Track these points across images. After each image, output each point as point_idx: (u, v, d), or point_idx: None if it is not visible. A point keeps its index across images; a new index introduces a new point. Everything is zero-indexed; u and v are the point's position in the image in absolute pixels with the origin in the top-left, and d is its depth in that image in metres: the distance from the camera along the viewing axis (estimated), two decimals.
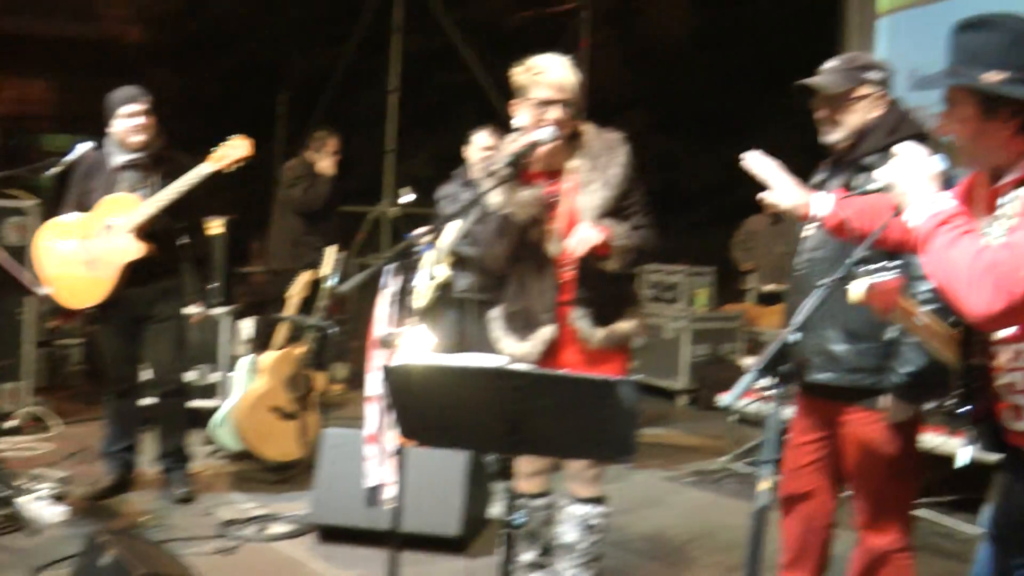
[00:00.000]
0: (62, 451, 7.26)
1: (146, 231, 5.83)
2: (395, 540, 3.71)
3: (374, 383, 3.70)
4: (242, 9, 12.91)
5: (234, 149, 5.93)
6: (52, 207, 6.44)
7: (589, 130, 4.44)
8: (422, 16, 12.58)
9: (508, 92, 4.40)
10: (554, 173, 4.39)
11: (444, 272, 6.94)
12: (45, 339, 9.07)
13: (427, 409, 3.22)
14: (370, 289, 3.81)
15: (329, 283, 6.94)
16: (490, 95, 11.92)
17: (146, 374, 6.36)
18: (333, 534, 5.58)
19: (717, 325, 10.64)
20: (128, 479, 6.35)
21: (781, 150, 4.08)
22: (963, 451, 3.01)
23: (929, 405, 3.95)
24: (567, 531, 4.54)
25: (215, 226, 7.92)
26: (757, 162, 3.50)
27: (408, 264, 3.72)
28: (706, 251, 12.38)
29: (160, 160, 6.05)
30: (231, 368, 7.51)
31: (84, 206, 6.01)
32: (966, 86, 2.69)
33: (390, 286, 3.66)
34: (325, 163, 9.01)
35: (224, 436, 6.98)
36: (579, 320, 4.34)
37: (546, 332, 4.36)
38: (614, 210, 4.32)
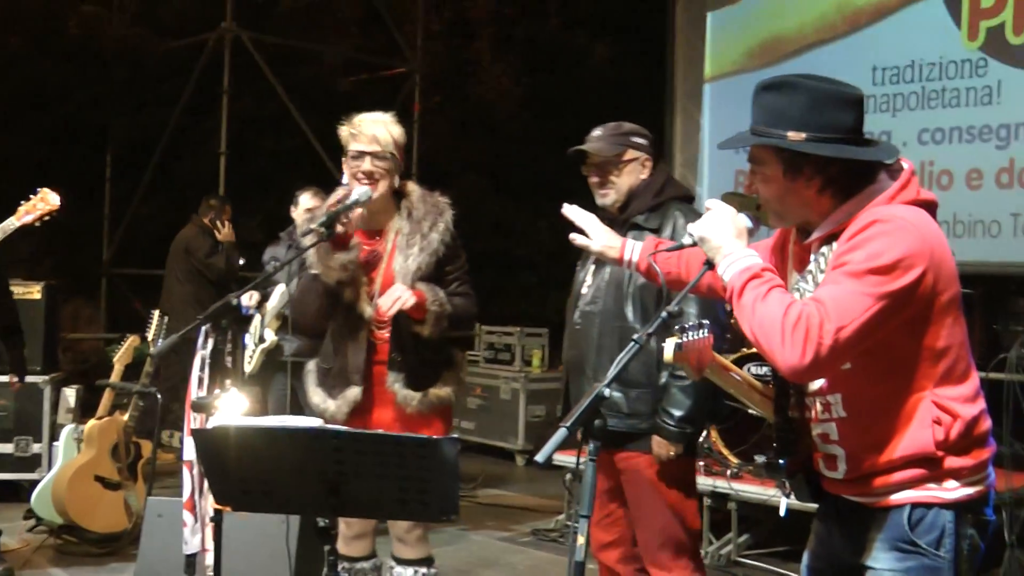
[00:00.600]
0: None
1: None
2: None
3: (189, 448, 3.61)
4: (63, 69, 12.62)
5: (41, 203, 5.73)
6: None
7: (415, 191, 4.44)
8: (252, 79, 12.49)
9: (338, 155, 4.38)
10: (376, 232, 4.37)
11: (271, 336, 6.87)
12: None
13: (241, 473, 3.15)
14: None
15: (153, 348, 6.78)
16: (323, 159, 11.87)
17: None
18: None
19: (552, 385, 10.70)
20: None
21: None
22: (782, 502, 3.08)
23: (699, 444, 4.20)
24: None
25: (33, 291, 7.69)
26: (575, 213, 3.59)
27: (223, 326, 3.65)
28: (541, 313, 12.51)
29: None
30: (54, 438, 7.25)
31: None
32: (770, 145, 2.77)
33: (203, 349, 3.58)
34: (227, 231, 9.18)
35: (46, 509, 6.71)
36: (395, 384, 4.31)
37: (353, 392, 4.33)
38: (433, 276, 4.32)
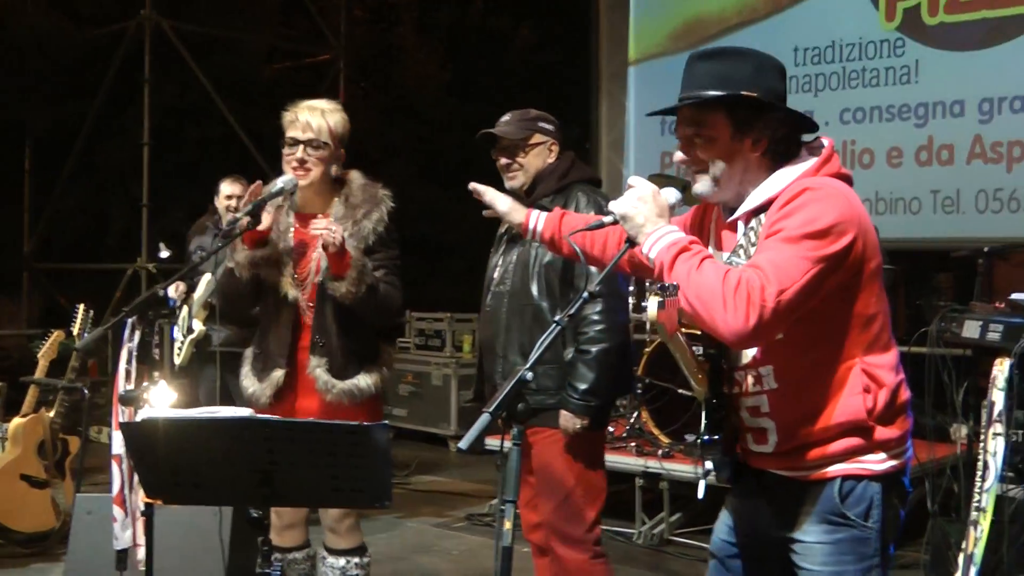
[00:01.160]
0: None
1: None
2: None
3: (117, 442, 3.58)
4: None
5: None
6: None
7: (356, 179, 4.45)
8: (174, 68, 12.34)
9: (265, 144, 4.36)
10: (314, 216, 4.36)
11: (199, 327, 6.81)
12: None
13: (171, 465, 3.12)
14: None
15: (79, 343, 6.69)
16: (248, 147, 11.77)
17: None
18: None
19: None
20: None
21: None
22: (700, 484, 3.10)
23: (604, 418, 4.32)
24: None
25: None
26: (481, 188, 3.72)
27: (150, 317, 3.62)
28: (470, 298, 12.49)
29: None
30: None
31: None
32: (724, 105, 2.79)
33: (129, 342, 3.55)
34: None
35: None
36: (316, 368, 4.30)
37: (276, 375, 4.31)
38: None
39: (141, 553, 3.64)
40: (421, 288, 11.16)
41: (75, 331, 6.69)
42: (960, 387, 5.34)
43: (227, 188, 6.80)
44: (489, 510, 7.65)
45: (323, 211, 4.36)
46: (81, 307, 6.71)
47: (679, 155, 2.90)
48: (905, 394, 2.83)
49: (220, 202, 6.94)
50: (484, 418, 2.56)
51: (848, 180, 2.84)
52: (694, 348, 2.87)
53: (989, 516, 4.55)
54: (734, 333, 2.56)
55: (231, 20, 13.53)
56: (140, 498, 3.54)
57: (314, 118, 4.27)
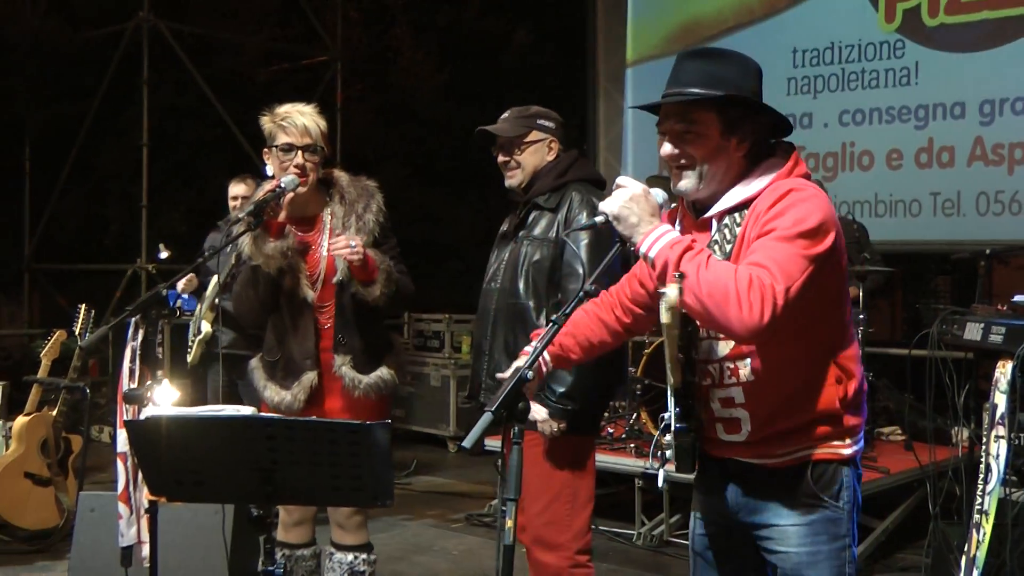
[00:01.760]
0: None
1: None
2: None
3: (122, 440, 3.58)
4: None
5: None
6: None
7: (342, 177, 4.45)
8: (171, 70, 12.34)
9: (262, 145, 4.36)
10: (308, 219, 4.36)
11: (206, 328, 6.80)
12: None
13: (174, 463, 3.13)
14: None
15: (84, 342, 6.69)
16: (245, 149, 11.77)
17: None
18: None
19: None
20: None
21: None
22: (659, 473, 3.11)
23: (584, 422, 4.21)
24: None
25: None
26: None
27: (152, 317, 3.62)
28: (468, 299, 12.49)
29: None
30: None
31: None
32: (716, 103, 2.85)
33: (133, 340, 3.55)
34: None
35: None
36: (343, 367, 4.31)
37: (309, 378, 4.32)
38: None
39: (145, 550, 3.64)
40: (419, 289, 11.09)
41: (77, 331, 6.71)
42: (961, 390, 5.33)
43: (233, 188, 6.77)
44: (488, 510, 7.65)
45: (316, 213, 4.37)
46: (82, 307, 6.72)
47: (667, 148, 2.93)
48: (864, 384, 2.98)
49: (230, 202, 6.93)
50: (486, 417, 2.57)
51: (810, 180, 2.95)
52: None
53: (991, 519, 4.55)
54: (749, 329, 2.61)
55: (228, 22, 13.54)
56: (144, 495, 3.54)
57: (309, 123, 4.27)
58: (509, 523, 2.61)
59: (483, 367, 4.34)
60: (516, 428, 2.65)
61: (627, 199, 2.81)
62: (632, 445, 7.29)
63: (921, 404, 6.24)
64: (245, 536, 5.55)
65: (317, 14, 13.60)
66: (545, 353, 3.15)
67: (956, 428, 5.86)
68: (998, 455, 4.59)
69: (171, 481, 3.18)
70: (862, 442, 2.96)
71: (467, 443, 2.55)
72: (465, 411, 10.39)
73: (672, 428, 2.88)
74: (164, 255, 7.84)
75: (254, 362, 4.56)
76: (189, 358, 6.95)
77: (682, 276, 2.59)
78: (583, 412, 4.16)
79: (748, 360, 2.85)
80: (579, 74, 11.74)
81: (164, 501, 3.36)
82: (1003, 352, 4.78)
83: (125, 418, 3.43)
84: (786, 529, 2.89)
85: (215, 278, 6.66)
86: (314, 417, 4.11)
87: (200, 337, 6.90)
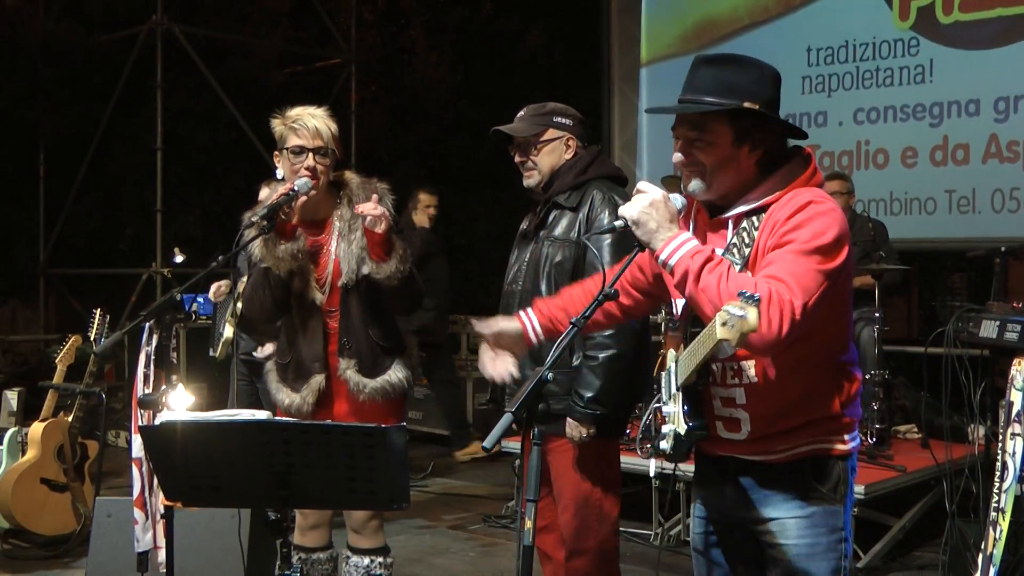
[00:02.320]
0: None
1: None
2: None
3: (137, 445, 3.59)
4: None
5: None
6: None
7: (353, 179, 4.43)
8: (185, 73, 12.36)
9: (276, 147, 4.36)
10: (318, 222, 4.36)
11: (229, 332, 6.78)
12: None
13: (190, 468, 3.14)
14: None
15: (98, 348, 6.70)
16: (260, 152, 11.79)
17: None
18: None
19: None
20: None
21: None
22: (651, 463, 3.17)
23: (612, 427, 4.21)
24: None
25: None
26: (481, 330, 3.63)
27: (167, 322, 3.62)
28: (484, 300, 12.49)
29: None
30: None
31: None
32: (726, 112, 2.86)
33: (147, 345, 3.56)
34: (420, 217, 9.14)
35: None
36: (347, 371, 4.30)
37: (317, 381, 4.32)
38: None
39: (162, 555, 3.65)
40: None
41: (92, 336, 6.72)
42: (977, 387, 5.32)
43: (263, 192, 6.71)
44: (505, 512, 7.63)
45: (327, 216, 4.36)
46: (97, 312, 6.72)
47: (678, 156, 2.96)
48: (860, 383, 3.04)
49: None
50: (507, 418, 2.60)
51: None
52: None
53: (1008, 517, 4.53)
54: (767, 343, 2.63)
55: (242, 25, 13.56)
56: (160, 501, 3.55)
57: (320, 125, 4.26)
58: (528, 524, 2.62)
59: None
60: (536, 430, 2.67)
61: (646, 204, 2.83)
62: (649, 445, 7.26)
63: (937, 402, 6.23)
64: (262, 540, 5.58)
65: (331, 16, 13.64)
66: (537, 324, 3.33)
67: (972, 426, 5.84)
68: (1014, 453, 4.56)
69: (187, 486, 3.19)
70: (858, 438, 3.00)
71: (488, 443, 2.59)
72: (482, 413, 10.37)
73: (685, 425, 2.88)
74: (179, 259, 7.87)
75: (269, 365, 4.57)
76: (216, 353, 6.94)
77: (758, 300, 2.49)
78: (610, 416, 4.15)
79: (752, 362, 2.86)
80: (593, 74, 11.73)
81: (180, 506, 3.37)
82: (1019, 349, 4.77)
83: (140, 423, 3.44)
84: (785, 522, 2.92)
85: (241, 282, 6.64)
86: (328, 421, 4.10)
87: (224, 338, 6.89)
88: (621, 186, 4.37)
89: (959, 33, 8.52)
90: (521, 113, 4.35)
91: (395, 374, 4.38)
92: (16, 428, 6.88)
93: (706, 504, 3.14)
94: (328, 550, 4.58)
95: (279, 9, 13.97)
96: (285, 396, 4.39)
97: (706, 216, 3.00)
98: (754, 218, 2.86)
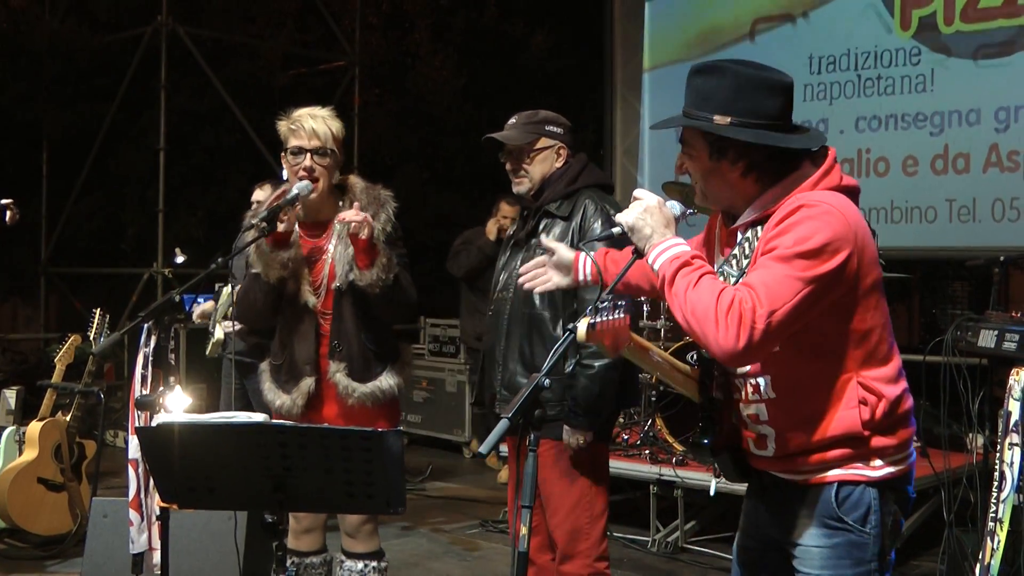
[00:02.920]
0: None
1: None
2: None
3: (133, 446, 3.59)
4: None
5: None
6: None
7: (357, 183, 4.44)
8: (189, 74, 12.38)
9: (280, 149, 4.37)
10: (320, 224, 4.37)
11: (220, 333, 6.79)
12: None
13: (186, 470, 3.14)
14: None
15: (96, 348, 6.71)
16: (263, 153, 11.80)
17: None
18: None
19: None
20: None
21: None
22: (712, 483, 3.15)
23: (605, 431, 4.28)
24: None
25: None
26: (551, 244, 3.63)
27: (166, 322, 3.63)
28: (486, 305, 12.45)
29: None
30: None
31: None
32: (695, 128, 2.85)
33: (145, 346, 3.56)
34: (490, 226, 8.60)
35: None
36: (337, 374, 4.31)
37: (307, 383, 4.32)
38: None
39: (157, 557, 3.65)
40: (435, 294, 11.14)
41: (92, 336, 6.72)
42: (976, 397, 5.32)
43: (256, 194, 6.70)
44: (502, 517, 7.64)
45: (328, 218, 4.36)
46: (97, 312, 6.73)
47: (679, 163, 2.97)
48: (907, 403, 2.87)
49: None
50: (503, 423, 2.60)
51: (851, 191, 2.86)
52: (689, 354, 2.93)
53: (1006, 526, 4.54)
54: (725, 353, 2.62)
55: (246, 26, 13.57)
56: (156, 502, 3.55)
57: (319, 125, 4.26)
58: (524, 530, 2.63)
59: (496, 376, 4.34)
60: (532, 435, 2.68)
61: (642, 211, 2.85)
62: (647, 451, 7.27)
63: (936, 411, 6.22)
64: (258, 543, 5.58)
65: (335, 18, 13.64)
66: (588, 267, 3.29)
67: (971, 435, 5.85)
68: (1012, 462, 4.58)
69: (183, 488, 3.19)
70: (906, 464, 2.85)
71: (484, 448, 2.60)
72: (480, 417, 10.38)
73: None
74: (180, 259, 7.87)
75: (263, 366, 4.58)
76: (207, 351, 6.94)
77: (596, 311, 2.60)
78: (604, 421, 4.22)
79: (768, 378, 2.83)
80: (597, 79, 11.73)
81: (176, 508, 3.37)
82: (1017, 359, 4.77)
83: (137, 424, 3.44)
84: (810, 549, 2.85)
85: (226, 289, 6.62)
86: (324, 424, 4.11)
87: (213, 340, 6.90)
88: (610, 194, 4.42)
89: (960, 43, 8.52)
90: (512, 120, 4.38)
91: (386, 380, 4.38)
92: (14, 427, 6.88)
93: (749, 517, 3.10)
94: (322, 554, 4.58)
95: (284, 11, 13.98)
96: (276, 397, 4.41)
97: (724, 228, 3.00)
98: (757, 228, 2.83)
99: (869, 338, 2.79)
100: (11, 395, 8.04)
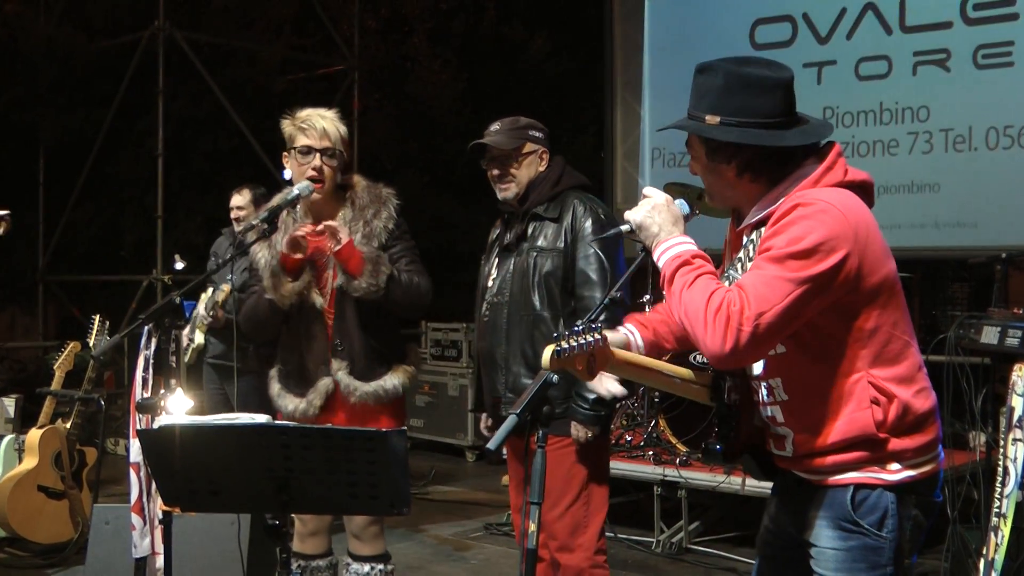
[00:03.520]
0: None
1: None
2: None
3: (135, 450, 3.58)
4: None
5: None
6: None
7: (359, 182, 4.46)
8: (187, 79, 12.36)
9: (279, 154, 4.37)
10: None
11: (200, 338, 6.74)
12: None
13: (188, 473, 3.12)
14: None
15: (96, 351, 6.68)
16: (262, 158, 11.79)
17: None
18: None
19: None
20: None
21: None
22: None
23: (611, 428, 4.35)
24: None
25: None
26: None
27: (166, 325, 3.62)
28: None
29: None
30: None
31: None
32: (690, 130, 2.85)
33: (146, 350, 3.55)
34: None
35: None
36: (339, 373, 4.31)
37: (325, 384, 4.32)
38: None
39: (160, 562, 3.63)
40: (436, 298, 11.11)
41: (91, 342, 6.70)
42: (978, 394, 5.32)
43: (233, 199, 6.66)
44: (506, 519, 7.62)
45: (332, 218, 4.36)
46: (97, 318, 6.71)
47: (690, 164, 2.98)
48: (926, 404, 2.80)
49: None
50: (511, 420, 2.60)
51: (860, 186, 2.82)
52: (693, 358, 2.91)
53: (1009, 523, 4.54)
54: (713, 355, 2.63)
55: (244, 31, 13.56)
56: (158, 506, 3.54)
57: (329, 126, 4.28)
58: (532, 526, 2.62)
59: (499, 380, 4.35)
60: (540, 432, 2.68)
61: (650, 208, 2.86)
62: (651, 452, 7.26)
63: (938, 408, 6.21)
64: (262, 546, 5.56)
65: (334, 23, 13.64)
66: (638, 335, 3.07)
67: (973, 432, 5.84)
68: (1016, 458, 4.59)
69: (185, 491, 3.17)
70: (928, 467, 2.79)
71: (492, 444, 2.59)
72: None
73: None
74: (180, 266, 7.83)
75: (272, 372, 4.57)
76: (185, 358, 6.90)
77: (561, 338, 2.57)
78: (609, 415, 4.27)
79: (780, 380, 2.82)
80: (596, 82, 11.72)
81: (178, 512, 3.35)
82: (1019, 355, 4.77)
83: (138, 427, 3.43)
84: (825, 551, 2.81)
85: (204, 295, 6.54)
86: (330, 424, 4.10)
87: (194, 345, 6.85)
88: (593, 194, 4.48)
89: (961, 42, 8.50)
90: (496, 127, 4.41)
91: (390, 381, 4.38)
92: (13, 435, 6.86)
93: (774, 515, 3.08)
94: (328, 557, 4.57)
95: (282, 16, 13.98)
96: (289, 402, 4.40)
97: (735, 229, 2.99)
98: (761, 229, 2.80)
99: (876, 336, 2.73)
100: (10, 403, 8.02)
